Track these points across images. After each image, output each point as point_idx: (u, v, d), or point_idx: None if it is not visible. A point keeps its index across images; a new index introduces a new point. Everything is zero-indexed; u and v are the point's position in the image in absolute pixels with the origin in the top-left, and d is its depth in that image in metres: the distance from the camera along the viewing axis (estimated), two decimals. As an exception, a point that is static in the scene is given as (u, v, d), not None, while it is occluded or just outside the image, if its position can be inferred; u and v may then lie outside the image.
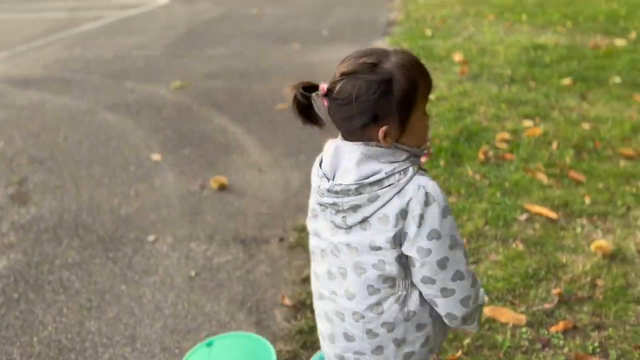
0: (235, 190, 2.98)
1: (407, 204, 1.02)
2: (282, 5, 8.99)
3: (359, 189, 1.02)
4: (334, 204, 1.06)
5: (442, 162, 3.09)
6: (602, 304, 1.96)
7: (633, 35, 5.60)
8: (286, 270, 2.29)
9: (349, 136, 1.06)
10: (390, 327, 1.11)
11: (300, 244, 2.44)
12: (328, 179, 1.07)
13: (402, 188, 1.02)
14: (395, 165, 1.03)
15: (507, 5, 7.73)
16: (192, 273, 2.32)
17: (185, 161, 3.37)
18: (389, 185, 1.02)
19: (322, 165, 1.10)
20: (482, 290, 1.15)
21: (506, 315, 1.93)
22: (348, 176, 1.04)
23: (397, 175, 1.02)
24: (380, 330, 1.11)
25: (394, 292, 1.10)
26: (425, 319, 1.12)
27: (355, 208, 1.04)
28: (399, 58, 1.02)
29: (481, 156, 3.12)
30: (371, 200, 1.03)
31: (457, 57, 5.15)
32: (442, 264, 1.05)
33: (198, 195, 2.96)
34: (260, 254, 2.41)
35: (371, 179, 1.02)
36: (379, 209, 1.03)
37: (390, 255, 1.06)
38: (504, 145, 3.27)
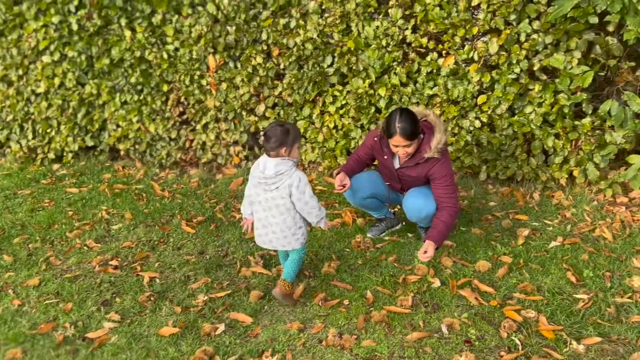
0: None
1: (292, 181, 2.72)
2: None
3: (276, 176, 2.72)
4: (265, 182, 2.75)
5: None
6: None
7: None
8: None
9: (271, 153, 2.74)
10: (288, 227, 2.83)
11: None
12: (262, 172, 2.76)
13: (290, 176, 2.71)
14: (287, 166, 2.73)
15: None
16: None
17: None
18: (286, 173, 2.71)
19: (260, 166, 2.80)
20: (324, 212, 2.87)
21: None
22: (270, 171, 2.72)
23: (289, 170, 2.72)
24: (285, 228, 2.83)
25: (290, 214, 2.80)
26: (302, 225, 2.89)
27: (275, 183, 2.73)
28: (290, 124, 2.80)
29: None
30: (280, 180, 2.72)
31: None
32: (306, 202, 2.77)
33: None
34: None
35: (279, 172, 2.71)
36: (282, 183, 2.71)
37: (287, 199, 2.75)
38: None
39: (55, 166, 5.81)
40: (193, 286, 3.17)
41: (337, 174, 3.45)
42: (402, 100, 4.30)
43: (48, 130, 5.80)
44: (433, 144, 3.14)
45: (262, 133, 2.73)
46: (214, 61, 4.80)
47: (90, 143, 5.68)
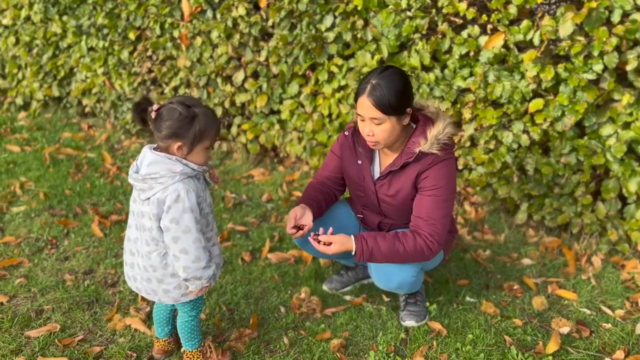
0: None
1: (165, 198, 1.67)
2: None
3: (144, 180, 1.69)
4: (135, 185, 1.74)
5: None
6: None
7: None
8: None
9: (159, 144, 1.73)
10: (154, 269, 1.78)
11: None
12: (137, 170, 1.74)
13: (166, 187, 1.67)
14: (167, 170, 1.68)
15: None
16: None
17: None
18: (161, 181, 1.67)
19: (138, 159, 1.76)
20: (209, 271, 1.77)
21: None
22: (143, 169, 1.71)
23: (167, 178, 1.68)
24: (149, 269, 1.79)
25: (157, 249, 1.76)
26: (177, 272, 1.78)
27: (144, 190, 1.71)
28: (206, 109, 1.73)
29: None
30: (150, 188, 1.69)
31: None
32: (175, 240, 1.70)
33: None
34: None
35: (151, 174, 1.68)
36: (153, 194, 1.68)
37: (155, 224, 1.72)
38: None
39: (21, 115, 4.94)
40: (31, 333, 2.13)
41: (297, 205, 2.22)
42: (420, 90, 2.98)
43: (15, 71, 4.91)
44: (431, 133, 1.96)
45: (154, 107, 1.69)
46: (188, 6, 3.64)
47: (56, 93, 4.74)
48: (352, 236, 1.98)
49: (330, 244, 1.96)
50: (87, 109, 4.68)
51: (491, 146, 2.88)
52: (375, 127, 1.94)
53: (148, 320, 2.23)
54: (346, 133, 2.19)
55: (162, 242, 1.75)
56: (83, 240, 2.85)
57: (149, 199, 1.71)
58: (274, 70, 3.46)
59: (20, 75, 4.88)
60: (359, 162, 2.15)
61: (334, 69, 3.21)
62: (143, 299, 2.35)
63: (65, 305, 2.31)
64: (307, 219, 2.06)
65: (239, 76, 3.61)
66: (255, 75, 3.61)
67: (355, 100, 1.97)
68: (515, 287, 2.53)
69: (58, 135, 4.47)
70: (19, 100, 4.97)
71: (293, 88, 3.44)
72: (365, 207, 2.26)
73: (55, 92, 4.71)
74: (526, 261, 2.75)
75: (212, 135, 1.73)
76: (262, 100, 3.55)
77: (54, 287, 2.43)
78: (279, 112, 3.63)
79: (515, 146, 2.81)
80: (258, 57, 3.52)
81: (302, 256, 2.72)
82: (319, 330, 2.19)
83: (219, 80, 3.71)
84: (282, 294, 2.43)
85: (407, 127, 2.03)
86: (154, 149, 1.74)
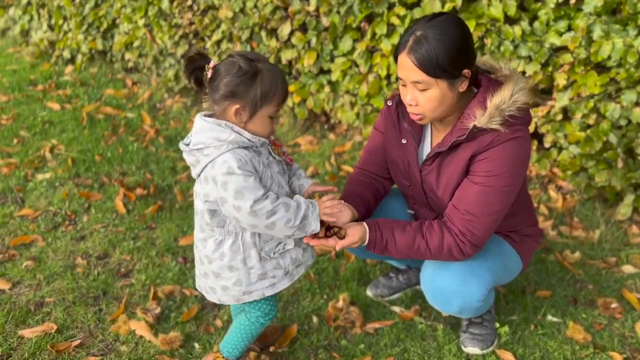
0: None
1: (215, 175, 1.35)
2: None
3: (191, 152, 1.39)
4: (185, 159, 1.44)
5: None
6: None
7: None
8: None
9: (214, 107, 1.41)
10: (209, 260, 1.47)
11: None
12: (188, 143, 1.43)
13: (214, 160, 1.35)
14: (215, 139, 1.36)
15: None
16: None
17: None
18: (207, 153, 1.36)
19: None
20: (304, 202, 1.41)
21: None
22: (189, 140, 1.43)
23: (215, 149, 1.35)
24: (205, 260, 1.48)
25: (213, 235, 1.45)
26: (236, 264, 1.44)
27: (193, 165, 1.42)
28: (272, 67, 1.40)
29: None
30: (198, 162, 1.39)
31: None
32: (254, 214, 1.34)
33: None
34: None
35: (198, 145, 1.37)
36: (202, 170, 1.39)
37: (205, 205, 1.41)
38: None
39: (68, 69, 4.72)
40: (25, 332, 1.85)
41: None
42: (502, 49, 2.39)
43: (60, 23, 4.67)
44: (492, 101, 1.45)
45: (211, 64, 1.39)
46: (229, -53, 3.16)
47: (100, 46, 4.46)
48: (364, 223, 1.56)
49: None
50: (129, 64, 4.38)
51: (590, 121, 2.27)
52: (419, 94, 1.46)
53: (157, 324, 1.90)
54: (389, 103, 1.70)
55: (218, 228, 1.44)
56: (104, 216, 2.55)
57: (198, 177, 1.42)
58: (325, 22, 2.95)
59: (66, 27, 4.64)
60: (404, 141, 1.66)
61: (395, 21, 2.65)
62: (154, 296, 2.02)
63: (70, 298, 2.02)
64: (342, 217, 1.59)
65: (285, 29, 3.12)
66: (304, 28, 3.12)
67: (395, 58, 1.48)
68: (614, 305, 1.99)
69: (101, 91, 4.20)
70: (66, 54, 4.75)
71: (346, 43, 2.92)
72: (415, 201, 1.78)
73: (100, 45, 4.43)
74: (628, 269, 2.18)
75: (279, 99, 1.40)
76: (311, 58, 3.06)
77: (62, 274, 2.15)
78: (329, 71, 3.14)
79: (623, 122, 2.20)
80: (307, 7, 3.01)
81: (344, 253, 2.29)
82: (356, 352, 1.78)
83: (263, 33, 3.25)
84: (317, 299, 2.03)
85: (466, 95, 1.52)
86: (208, 116, 1.42)
